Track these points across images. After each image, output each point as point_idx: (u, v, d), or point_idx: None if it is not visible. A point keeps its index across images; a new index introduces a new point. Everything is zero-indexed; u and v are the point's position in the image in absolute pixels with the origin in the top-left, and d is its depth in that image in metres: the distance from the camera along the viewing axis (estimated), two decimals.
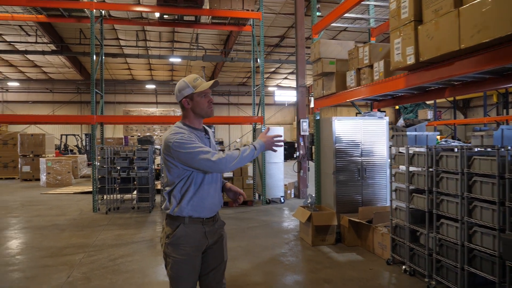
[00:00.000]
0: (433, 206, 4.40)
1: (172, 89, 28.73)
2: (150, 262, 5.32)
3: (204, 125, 2.65)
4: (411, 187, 4.83)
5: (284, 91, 30.06)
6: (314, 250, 5.87)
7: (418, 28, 3.74)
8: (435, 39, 3.52)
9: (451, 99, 19.06)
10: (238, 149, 2.40)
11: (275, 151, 2.55)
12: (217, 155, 2.30)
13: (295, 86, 31.01)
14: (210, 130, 2.72)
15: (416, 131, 4.94)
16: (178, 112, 20.23)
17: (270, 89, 29.90)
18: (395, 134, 5.13)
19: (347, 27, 16.36)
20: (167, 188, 2.47)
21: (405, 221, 4.90)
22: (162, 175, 2.55)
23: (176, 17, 10.36)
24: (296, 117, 11.10)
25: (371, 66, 5.30)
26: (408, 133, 4.88)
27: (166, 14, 10.11)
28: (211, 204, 2.51)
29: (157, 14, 10.71)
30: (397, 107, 21.19)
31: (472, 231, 3.90)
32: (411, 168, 4.81)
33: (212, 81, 2.51)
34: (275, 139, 2.51)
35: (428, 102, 19.04)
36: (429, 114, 17.71)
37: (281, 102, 30.54)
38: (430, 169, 4.43)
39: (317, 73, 6.45)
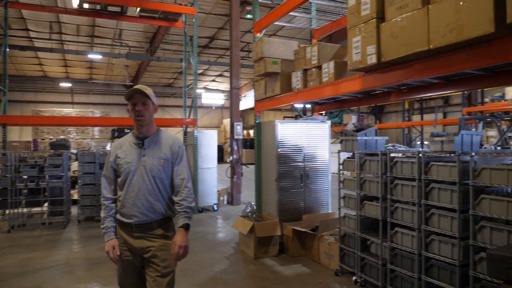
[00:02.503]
0: (387, 214, 4.22)
1: (90, 88, 26.58)
2: None
3: (153, 136, 2.65)
4: (362, 194, 4.64)
5: (211, 94, 29.40)
6: (257, 264, 5.44)
7: (381, 26, 3.50)
8: (400, 38, 3.29)
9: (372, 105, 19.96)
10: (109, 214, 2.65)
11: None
12: (105, 197, 2.66)
13: (223, 89, 30.49)
14: (161, 141, 2.66)
15: (366, 135, 4.76)
16: (97, 113, 18.67)
17: (197, 91, 29.06)
18: (345, 138, 4.91)
19: (280, 28, 16.31)
20: None
21: (354, 229, 4.69)
22: None
23: (99, 7, 9.29)
24: (230, 120, 10.62)
25: (319, 67, 5.04)
26: (358, 138, 4.67)
27: (86, 3, 8.99)
28: (129, 210, 2.55)
29: (75, 2, 9.54)
30: (322, 112, 21.64)
31: (429, 240, 3.77)
32: (361, 175, 4.63)
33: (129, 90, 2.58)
34: None
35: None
36: (353, 119, 18.36)
37: (208, 105, 29.84)
38: (384, 176, 4.26)
39: (259, 73, 6.06)
